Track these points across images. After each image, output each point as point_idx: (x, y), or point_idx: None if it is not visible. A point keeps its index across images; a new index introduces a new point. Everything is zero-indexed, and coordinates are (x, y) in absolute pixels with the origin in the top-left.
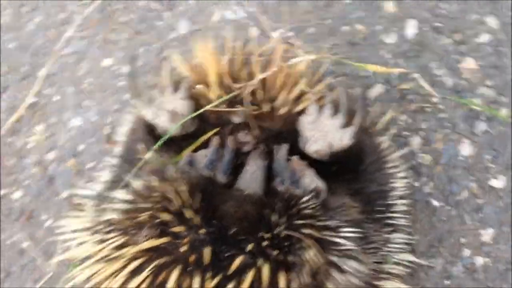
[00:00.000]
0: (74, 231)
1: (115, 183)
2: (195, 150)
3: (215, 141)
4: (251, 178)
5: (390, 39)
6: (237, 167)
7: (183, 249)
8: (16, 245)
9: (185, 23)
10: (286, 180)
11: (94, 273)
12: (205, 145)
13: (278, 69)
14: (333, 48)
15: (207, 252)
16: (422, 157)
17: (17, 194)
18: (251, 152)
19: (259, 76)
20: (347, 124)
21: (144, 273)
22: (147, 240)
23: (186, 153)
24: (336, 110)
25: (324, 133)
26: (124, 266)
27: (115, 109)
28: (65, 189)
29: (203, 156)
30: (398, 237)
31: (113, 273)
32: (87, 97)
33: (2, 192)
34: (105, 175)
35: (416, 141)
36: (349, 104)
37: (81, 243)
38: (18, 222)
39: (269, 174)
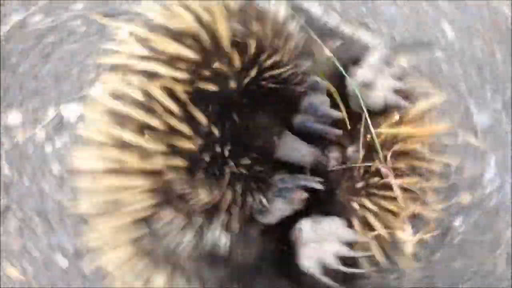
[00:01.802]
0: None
1: None
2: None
3: (336, 113)
4: (296, 149)
5: None
6: (315, 138)
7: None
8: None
9: None
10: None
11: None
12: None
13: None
14: None
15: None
16: None
17: None
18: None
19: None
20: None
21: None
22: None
23: (325, 84)
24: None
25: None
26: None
27: None
28: None
29: (319, 100)
30: None
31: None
32: None
33: None
34: None
35: None
36: None
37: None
38: None
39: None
